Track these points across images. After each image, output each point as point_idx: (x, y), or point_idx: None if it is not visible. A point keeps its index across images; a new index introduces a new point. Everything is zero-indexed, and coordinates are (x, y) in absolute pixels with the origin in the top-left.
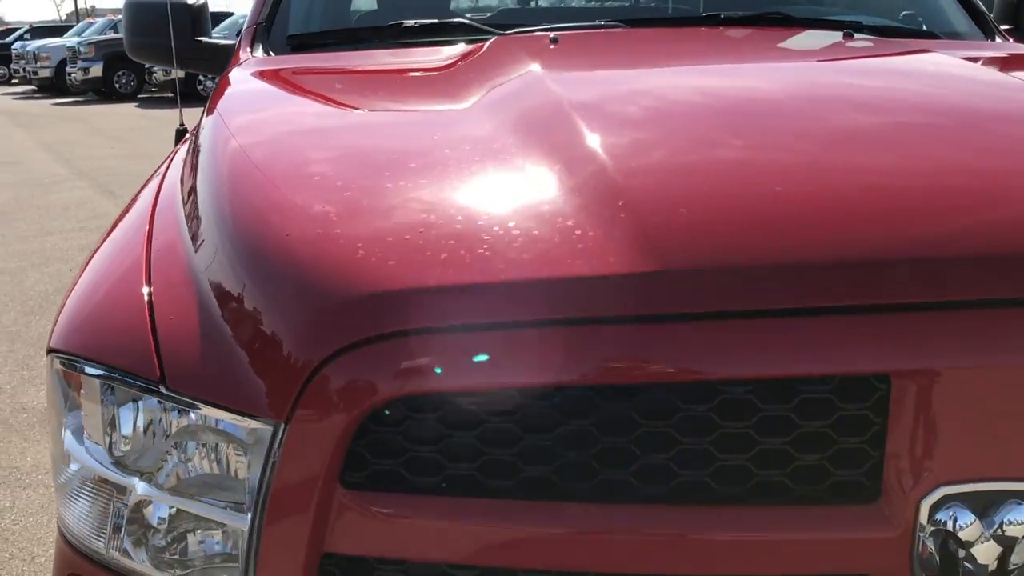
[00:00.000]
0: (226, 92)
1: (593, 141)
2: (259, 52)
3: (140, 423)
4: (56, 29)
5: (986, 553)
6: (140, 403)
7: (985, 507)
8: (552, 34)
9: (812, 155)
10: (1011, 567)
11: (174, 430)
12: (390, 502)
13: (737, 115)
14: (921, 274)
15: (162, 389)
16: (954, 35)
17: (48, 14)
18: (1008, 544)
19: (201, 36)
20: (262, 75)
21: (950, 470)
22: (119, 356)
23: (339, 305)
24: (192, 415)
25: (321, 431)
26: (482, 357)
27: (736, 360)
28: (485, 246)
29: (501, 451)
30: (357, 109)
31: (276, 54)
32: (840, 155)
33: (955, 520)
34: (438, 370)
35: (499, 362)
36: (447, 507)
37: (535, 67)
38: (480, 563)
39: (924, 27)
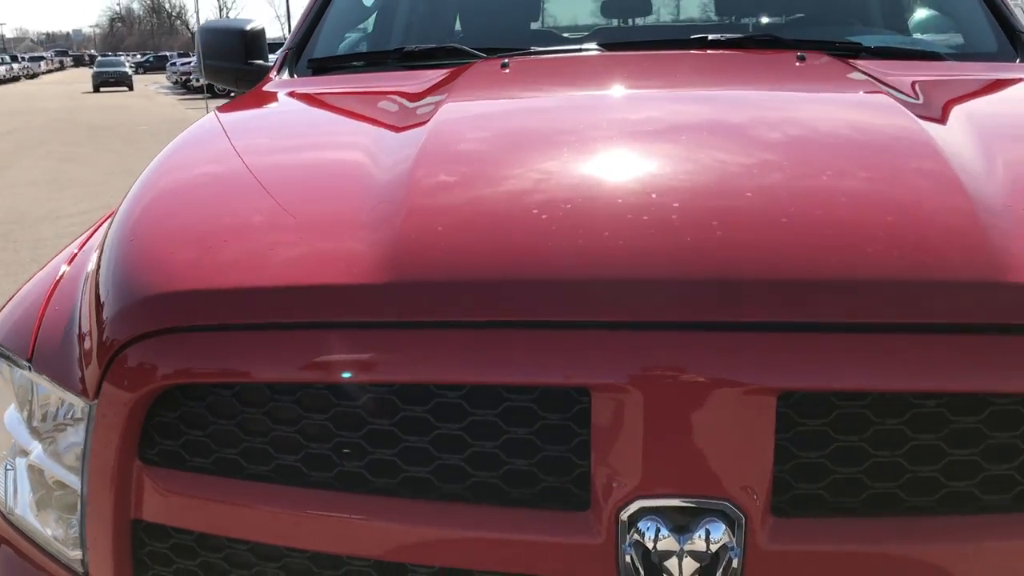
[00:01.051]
0: (220, 111)
1: (416, 168)
2: (284, 75)
3: (23, 396)
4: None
5: (683, 567)
6: (23, 379)
7: (682, 522)
8: (504, 59)
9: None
10: None
11: (39, 403)
12: (173, 479)
13: (580, 145)
14: (618, 293)
15: (30, 368)
16: (970, 55)
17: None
18: (704, 560)
19: (255, 59)
20: (262, 96)
21: (647, 484)
22: (10, 340)
23: (139, 300)
24: (49, 390)
25: (118, 410)
26: (248, 354)
27: (446, 366)
28: (268, 255)
29: (257, 440)
30: (301, 131)
31: (299, 76)
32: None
33: (652, 533)
34: (211, 363)
35: (259, 359)
36: (215, 486)
37: (451, 96)
38: (250, 538)
39: (946, 45)
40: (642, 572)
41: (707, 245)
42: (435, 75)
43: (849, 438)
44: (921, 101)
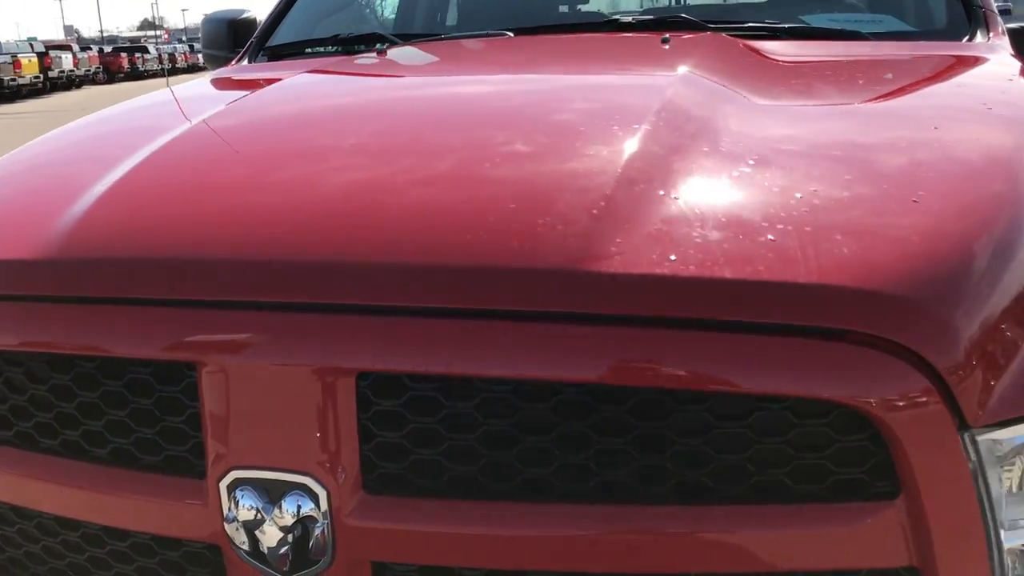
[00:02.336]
0: (148, 95)
1: (156, 150)
2: (244, 61)
3: None
4: None
5: (272, 536)
6: None
7: (272, 493)
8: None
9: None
10: (304, 551)
11: None
12: None
13: (330, 134)
14: (227, 273)
15: None
16: (906, 35)
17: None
18: (291, 531)
19: (240, 47)
20: (200, 81)
21: (241, 456)
22: None
23: None
24: None
25: None
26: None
27: (73, 336)
28: (71, 228)
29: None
30: (157, 112)
31: (252, 62)
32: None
33: (246, 502)
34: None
35: (49, 330)
36: (14, 459)
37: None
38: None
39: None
40: (245, 539)
41: (318, 229)
42: (336, 61)
43: (424, 420)
44: (744, 82)
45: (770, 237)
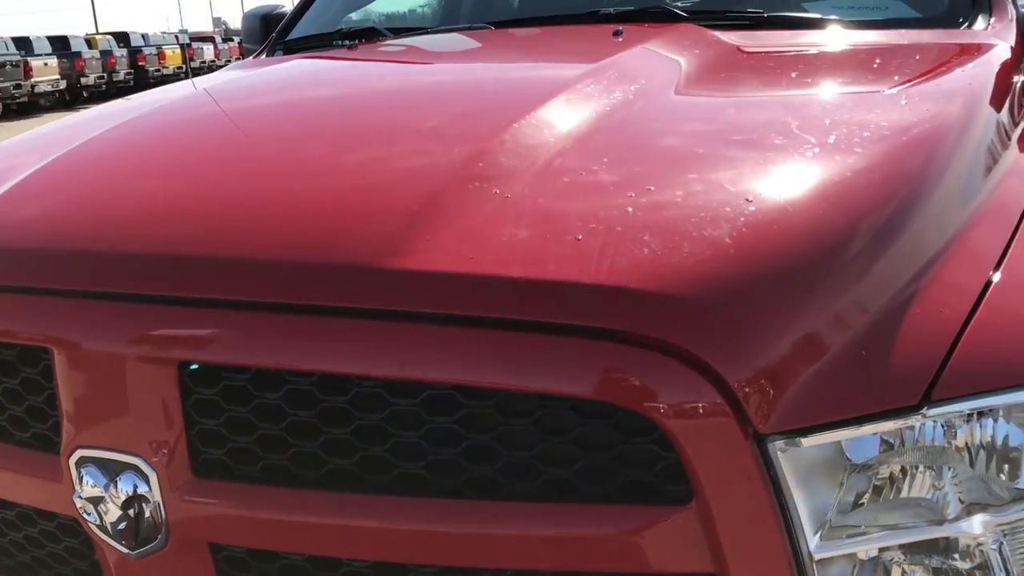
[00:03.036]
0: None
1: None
2: (263, 55)
3: None
4: None
5: (115, 513)
6: None
7: (110, 472)
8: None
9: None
10: (143, 528)
11: None
12: None
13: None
14: (64, 263)
15: None
16: (899, 21)
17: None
18: (127, 507)
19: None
20: (220, 73)
21: (86, 435)
22: None
23: None
24: None
25: None
26: None
27: None
28: None
29: None
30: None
31: (269, 56)
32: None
33: (88, 479)
34: None
35: None
36: None
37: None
38: None
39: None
40: (94, 514)
41: (151, 221)
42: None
43: (238, 409)
44: (676, 74)
45: (578, 237)
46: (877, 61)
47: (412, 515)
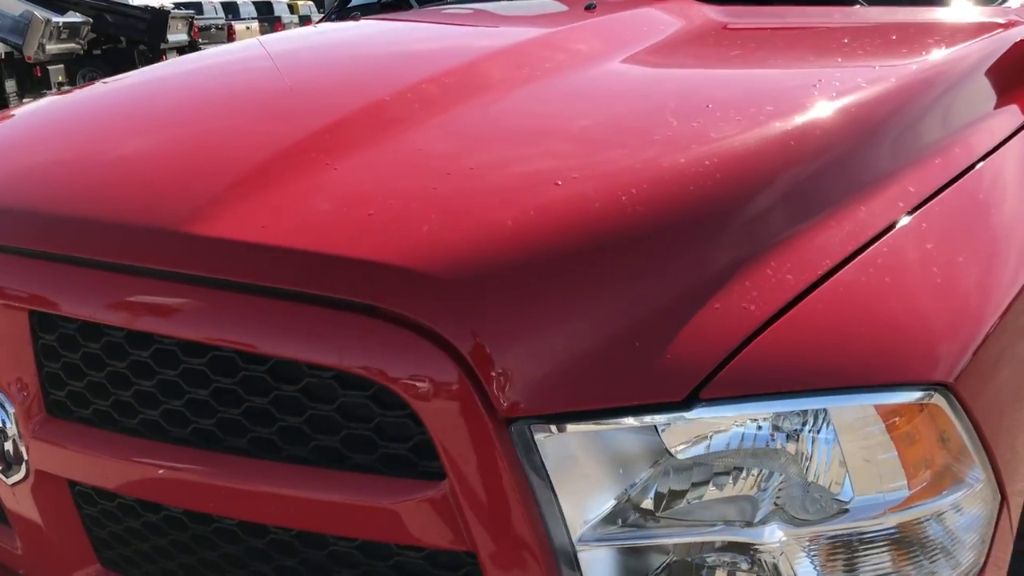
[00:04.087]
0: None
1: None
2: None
3: None
4: None
5: None
6: None
7: None
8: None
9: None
10: (5, 460)
11: None
12: None
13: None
14: None
15: None
16: None
17: None
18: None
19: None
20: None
21: None
22: None
23: None
24: None
25: None
26: None
27: None
28: None
29: None
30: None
31: (327, 22)
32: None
33: None
34: None
35: None
36: None
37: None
38: None
39: None
40: None
41: (23, 179)
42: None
43: (71, 355)
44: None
45: (369, 213)
46: (866, 41)
47: (203, 467)
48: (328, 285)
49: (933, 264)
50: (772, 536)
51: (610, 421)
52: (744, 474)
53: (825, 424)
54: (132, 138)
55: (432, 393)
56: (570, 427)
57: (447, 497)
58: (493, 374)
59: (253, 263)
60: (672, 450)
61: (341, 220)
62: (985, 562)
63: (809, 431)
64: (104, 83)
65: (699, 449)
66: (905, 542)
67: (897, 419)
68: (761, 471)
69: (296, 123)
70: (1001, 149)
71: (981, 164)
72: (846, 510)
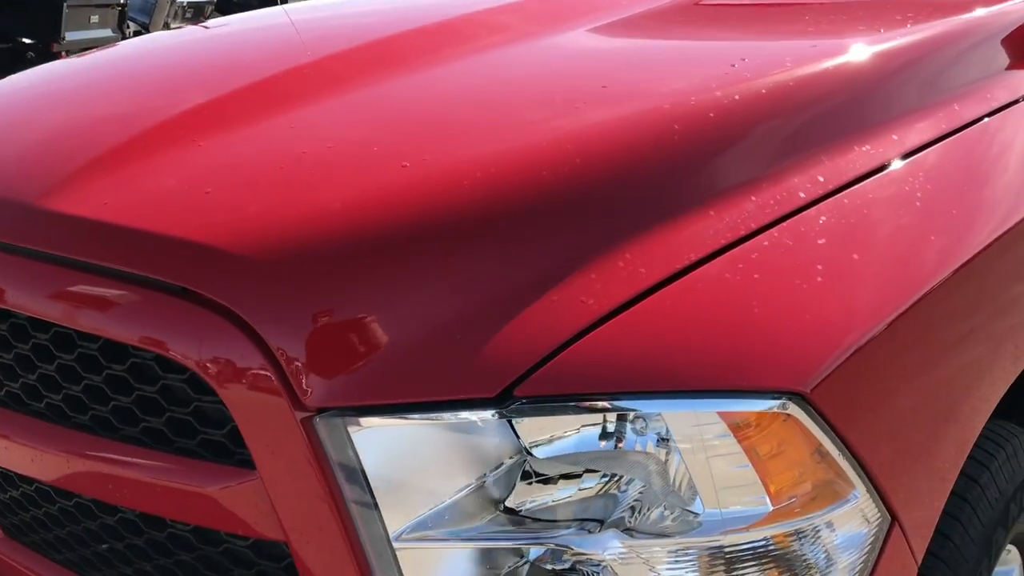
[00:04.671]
0: None
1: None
2: None
3: None
4: None
5: None
6: None
7: None
8: None
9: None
10: None
11: None
12: None
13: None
14: None
15: None
16: None
17: None
18: None
19: None
20: None
21: None
22: None
23: None
24: None
25: None
26: None
27: None
28: None
29: None
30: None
31: None
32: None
33: None
34: None
35: None
36: None
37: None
38: None
39: None
40: None
41: None
42: None
43: None
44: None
45: (207, 191)
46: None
47: (50, 440)
48: (147, 264)
49: (816, 265)
50: (604, 547)
51: (419, 416)
52: (583, 481)
53: (666, 431)
54: (26, 117)
55: (237, 380)
56: (377, 421)
57: (259, 486)
58: (297, 363)
59: (86, 239)
60: (502, 450)
61: (178, 198)
62: None
63: (650, 438)
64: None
65: (542, 451)
66: (769, 559)
67: (749, 429)
68: (604, 478)
69: (174, 101)
70: (917, 155)
71: (892, 167)
72: (699, 524)
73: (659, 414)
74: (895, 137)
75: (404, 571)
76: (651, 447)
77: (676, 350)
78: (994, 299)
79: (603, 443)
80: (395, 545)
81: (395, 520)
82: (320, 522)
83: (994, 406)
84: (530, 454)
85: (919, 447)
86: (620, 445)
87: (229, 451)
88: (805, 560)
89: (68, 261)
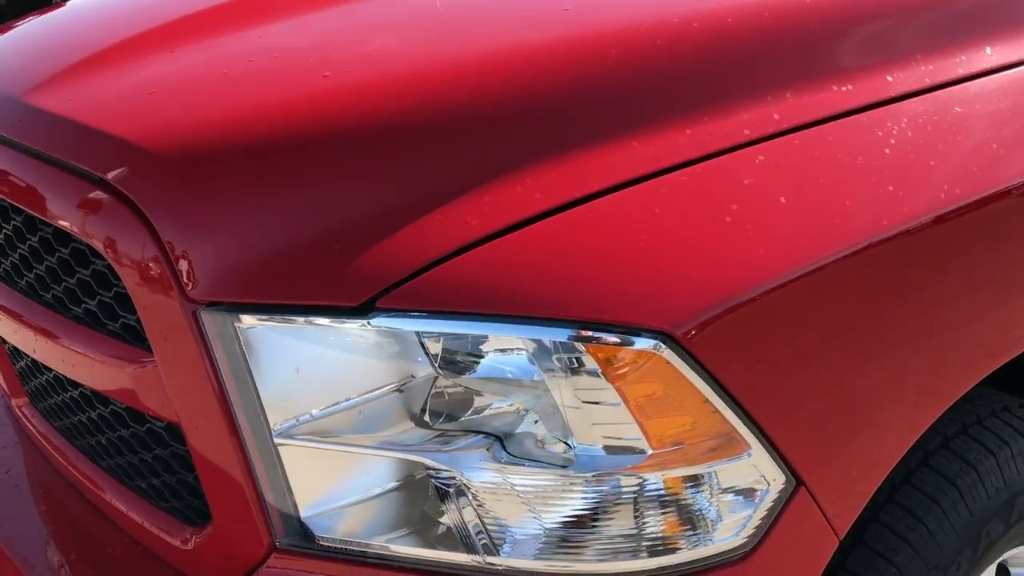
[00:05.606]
0: None
1: None
2: None
3: None
4: None
5: None
6: None
7: None
8: None
9: None
10: None
11: None
12: None
13: None
14: None
15: None
16: None
17: None
18: None
19: None
20: None
21: None
22: None
23: None
24: None
25: None
26: None
27: None
28: None
29: None
30: None
31: None
32: None
33: None
34: None
35: None
36: None
37: None
38: None
39: None
40: None
41: None
42: None
43: None
44: None
45: (151, 91)
46: None
47: (22, 313)
48: (78, 154)
49: (730, 205)
50: (476, 470)
51: (288, 317)
52: (464, 399)
53: (531, 358)
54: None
55: (136, 270)
56: (253, 319)
57: (156, 371)
58: (185, 258)
59: (47, 131)
60: (390, 364)
61: (125, 98)
62: (756, 547)
63: (518, 364)
64: None
65: (415, 363)
66: (650, 504)
67: (621, 367)
68: (483, 400)
69: (151, 19)
70: (860, 113)
71: (830, 121)
72: (574, 459)
73: (520, 339)
74: (837, 88)
75: (287, 468)
76: (519, 373)
77: (545, 278)
78: (929, 276)
79: (475, 366)
80: (276, 441)
81: (277, 417)
82: (206, 411)
83: (961, 393)
84: (437, 371)
85: (835, 418)
86: (489, 369)
87: (139, 334)
88: (690, 509)
89: (32, 151)
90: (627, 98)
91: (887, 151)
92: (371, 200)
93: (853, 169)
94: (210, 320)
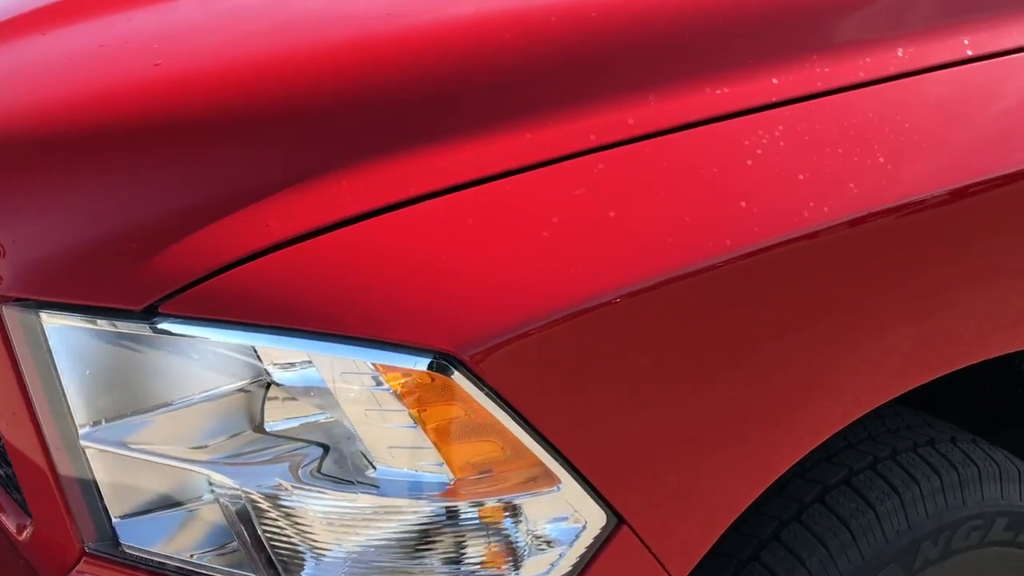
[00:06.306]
0: None
1: None
2: None
3: None
4: None
5: None
6: None
7: None
8: None
9: None
10: None
11: None
12: None
13: None
14: None
15: None
16: None
17: None
18: None
19: None
20: None
21: None
22: None
23: None
24: None
25: None
26: None
27: None
28: None
29: None
30: None
31: None
32: None
33: None
34: None
35: None
36: None
37: None
38: None
39: None
40: None
41: None
42: None
43: None
44: None
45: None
46: None
47: None
48: None
49: (551, 218)
50: (268, 488)
51: (89, 318)
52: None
53: (319, 376)
54: None
55: None
56: (54, 318)
57: None
58: None
59: None
60: (199, 371)
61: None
62: None
63: (309, 380)
64: None
65: (215, 373)
66: (456, 533)
67: (413, 388)
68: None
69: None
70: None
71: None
72: (376, 482)
73: (306, 353)
74: (711, 91)
75: (95, 472)
76: (310, 390)
77: (333, 289)
78: (784, 298)
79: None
80: (83, 444)
81: (85, 419)
82: (14, 408)
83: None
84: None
85: (663, 454)
86: (278, 383)
87: None
88: (503, 542)
89: None
90: (462, 98)
91: (750, 163)
92: (174, 198)
93: (707, 182)
94: (12, 316)
